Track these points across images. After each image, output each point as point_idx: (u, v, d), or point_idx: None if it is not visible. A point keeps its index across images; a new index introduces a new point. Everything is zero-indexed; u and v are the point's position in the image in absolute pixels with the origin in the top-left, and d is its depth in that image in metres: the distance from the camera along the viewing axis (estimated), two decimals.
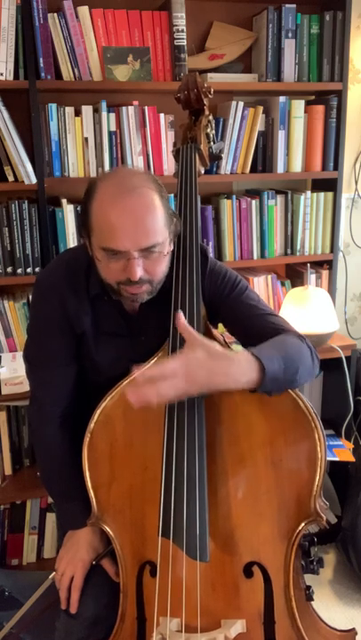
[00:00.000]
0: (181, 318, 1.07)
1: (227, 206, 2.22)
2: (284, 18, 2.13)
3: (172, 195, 1.85)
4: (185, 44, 2.04)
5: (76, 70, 1.98)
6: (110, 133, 2.05)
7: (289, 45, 2.16)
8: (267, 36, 2.14)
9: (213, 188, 2.36)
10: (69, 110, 1.99)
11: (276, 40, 2.15)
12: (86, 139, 2.03)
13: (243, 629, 1.09)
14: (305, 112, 2.23)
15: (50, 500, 2.13)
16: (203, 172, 1.48)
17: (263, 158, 2.28)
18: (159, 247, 1.15)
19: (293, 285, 2.42)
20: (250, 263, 2.31)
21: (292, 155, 2.25)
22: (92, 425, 1.20)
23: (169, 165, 2.13)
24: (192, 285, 1.23)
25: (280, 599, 1.09)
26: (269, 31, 2.14)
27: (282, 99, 2.18)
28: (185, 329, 1.06)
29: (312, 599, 1.18)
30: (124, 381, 1.20)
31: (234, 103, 2.13)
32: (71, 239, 2.08)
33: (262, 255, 2.31)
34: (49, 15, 1.89)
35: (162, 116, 2.08)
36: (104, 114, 2.01)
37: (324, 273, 2.41)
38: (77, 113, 2.01)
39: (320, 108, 2.24)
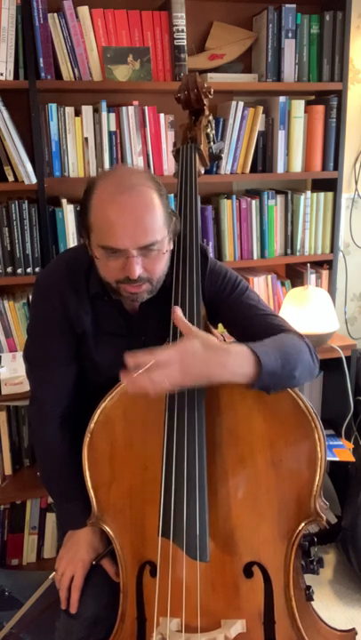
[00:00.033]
0: (178, 311, 1.07)
1: (227, 206, 2.22)
2: (284, 18, 2.13)
3: (172, 195, 1.85)
4: (185, 44, 2.04)
5: (76, 70, 1.98)
6: (110, 133, 2.05)
7: (289, 45, 2.16)
8: (267, 36, 2.14)
9: (213, 188, 2.36)
10: (69, 110, 1.99)
11: (276, 40, 2.15)
12: (86, 139, 2.03)
13: (243, 629, 1.09)
14: (305, 112, 2.23)
15: (50, 499, 2.13)
16: (203, 172, 1.48)
17: (263, 158, 2.28)
18: (158, 245, 1.15)
19: (293, 285, 2.42)
20: (250, 263, 2.31)
21: (292, 155, 2.25)
22: (92, 425, 1.20)
23: (169, 165, 2.13)
24: (192, 285, 1.23)
25: (280, 599, 1.09)
26: (269, 31, 2.14)
27: (282, 99, 2.18)
28: (181, 321, 1.06)
29: (312, 599, 1.18)
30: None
31: (234, 103, 2.13)
32: (71, 239, 2.08)
33: (262, 255, 2.31)
34: (49, 15, 1.90)
35: (162, 116, 2.08)
36: (104, 114, 2.01)
37: (324, 273, 2.41)
38: (77, 113, 2.01)
39: (320, 108, 2.24)
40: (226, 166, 2.19)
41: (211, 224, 2.23)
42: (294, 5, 2.13)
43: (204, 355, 1.02)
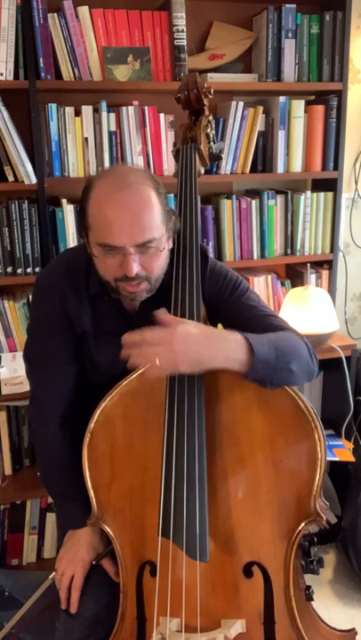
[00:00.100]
0: (161, 314, 1.07)
1: (227, 206, 2.22)
2: (284, 18, 2.13)
3: (172, 195, 1.85)
4: (185, 44, 2.04)
5: (76, 70, 1.98)
6: (110, 133, 2.05)
7: (289, 45, 2.16)
8: (267, 36, 2.14)
9: (213, 188, 2.37)
10: (69, 110, 1.99)
11: (276, 40, 2.15)
12: (86, 139, 2.03)
13: (243, 629, 1.09)
14: (305, 112, 2.23)
15: (50, 499, 2.13)
16: (203, 172, 1.48)
17: (263, 158, 2.28)
18: (156, 243, 1.15)
19: (293, 285, 2.42)
20: (250, 263, 2.31)
21: (292, 155, 2.25)
22: (92, 425, 1.20)
23: (169, 165, 2.13)
24: (192, 285, 1.23)
25: (280, 599, 1.09)
26: (269, 31, 2.14)
27: (282, 99, 2.18)
28: (168, 318, 1.07)
29: (312, 599, 1.18)
30: (124, 381, 1.20)
31: (234, 103, 2.13)
32: (71, 239, 2.08)
33: (262, 255, 2.31)
34: (49, 15, 1.89)
35: (162, 116, 2.08)
36: (104, 114, 2.01)
37: (324, 273, 2.41)
38: (77, 113, 2.01)
39: (320, 108, 2.24)
40: (226, 166, 2.19)
41: (211, 224, 2.23)
42: (294, 5, 2.13)
43: (197, 336, 1.05)
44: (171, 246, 1.25)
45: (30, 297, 1.79)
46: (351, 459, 2.18)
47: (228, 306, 1.32)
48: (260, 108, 2.18)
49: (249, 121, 2.17)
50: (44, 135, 1.99)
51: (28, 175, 1.95)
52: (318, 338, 2.16)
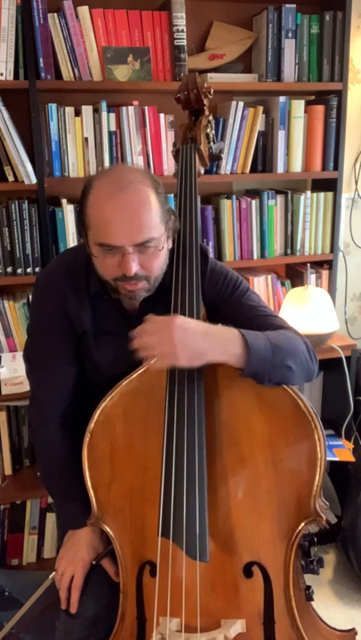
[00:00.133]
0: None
1: (227, 206, 2.22)
2: (284, 18, 2.13)
3: (172, 195, 1.85)
4: (185, 44, 2.04)
5: (76, 70, 1.98)
6: (110, 133, 2.05)
7: (289, 45, 2.16)
8: (267, 36, 2.14)
9: (213, 188, 2.36)
10: (69, 110, 1.99)
11: (276, 40, 2.15)
12: (86, 139, 2.03)
13: (242, 629, 1.09)
14: (305, 112, 2.23)
15: (50, 499, 2.13)
16: (203, 172, 1.48)
17: (263, 158, 2.28)
18: (155, 242, 1.15)
19: (293, 285, 2.42)
20: (250, 263, 2.31)
21: (292, 155, 2.25)
22: (91, 425, 1.20)
23: (169, 165, 2.13)
24: (192, 285, 1.23)
25: (280, 599, 1.09)
26: (269, 31, 2.14)
27: (282, 99, 2.18)
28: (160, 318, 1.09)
29: (312, 599, 1.18)
30: (124, 381, 1.20)
31: (234, 103, 2.13)
32: (71, 239, 2.08)
33: (262, 255, 2.31)
34: (49, 15, 1.89)
35: (162, 116, 2.08)
36: (104, 114, 2.01)
37: (324, 273, 2.41)
38: (77, 113, 2.01)
39: (320, 108, 2.24)
40: (226, 166, 2.19)
41: (211, 224, 2.23)
42: (294, 5, 2.13)
43: (195, 329, 1.07)
44: (170, 246, 1.25)
45: (30, 297, 1.79)
46: (351, 459, 2.18)
47: (229, 306, 1.32)
48: (260, 108, 2.18)
49: (249, 121, 2.17)
50: (44, 135, 1.99)
51: (28, 175, 1.95)
52: (318, 338, 2.16)
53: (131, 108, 2.04)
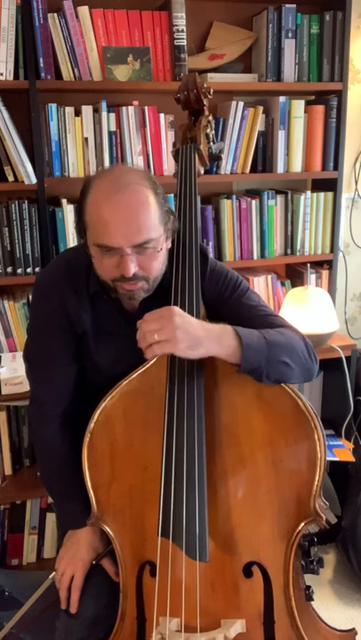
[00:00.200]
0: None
1: (227, 206, 2.22)
2: (284, 18, 2.13)
3: (172, 195, 1.85)
4: (185, 44, 2.04)
5: (76, 70, 1.98)
6: (110, 133, 2.05)
7: (289, 45, 2.16)
8: (267, 36, 2.14)
9: (213, 188, 2.37)
10: (69, 110, 1.99)
11: (276, 40, 2.15)
12: (86, 139, 2.03)
13: (242, 629, 1.09)
14: (305, 112, 2.23)
15: (50, 499, 2.13)
16: (202, 172, 1.48)
17: (263, 158, 2.28)
18: (153, 243, 1.15)
19: (293, 285, 2.42)
20: (250, 263, 2.31)
21: (292, 155, 2.25)
22: (91, 425, 1.20)
23: (169, 165, 2.13)
24: (191, 285, 1.23)
25: (280, 599, 1.09)
26: (269, 31, 2.14)
27: (282, 99, 2.18)
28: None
29: (312, 599, 1.18)
30: (124, 381, 1.20)
31: (234, 103, 2.13)
32: (71, 239, 2.08)
33: (262, 255, 2.31)
34: (49, 15, 1.90)
35: (162, 115, 2.08)
36: (104, 114, 2.01)
37: (324, 273, 2.41)
38: (77, 113, 2.01)
39: (320, 108, 2.24)
40: (226, 166, 2.19)
41: (211, 224, 2.23)
42: (294, 5, 2.13)
43: (192, 318, 1.08)
44: (169, 246, 1.25)
45: (30, 297, 1.79)
46: (351, 459, 2.18)
47: (229, 306, 1.32)
48: (260, 108, 2.18)
49: (249, 121, 2.17)
50: (44, 135, 1.99)
51: (28, 175, 1.95)
52: (318, 338, 2.16)
53: (131, 108, 2.04)
